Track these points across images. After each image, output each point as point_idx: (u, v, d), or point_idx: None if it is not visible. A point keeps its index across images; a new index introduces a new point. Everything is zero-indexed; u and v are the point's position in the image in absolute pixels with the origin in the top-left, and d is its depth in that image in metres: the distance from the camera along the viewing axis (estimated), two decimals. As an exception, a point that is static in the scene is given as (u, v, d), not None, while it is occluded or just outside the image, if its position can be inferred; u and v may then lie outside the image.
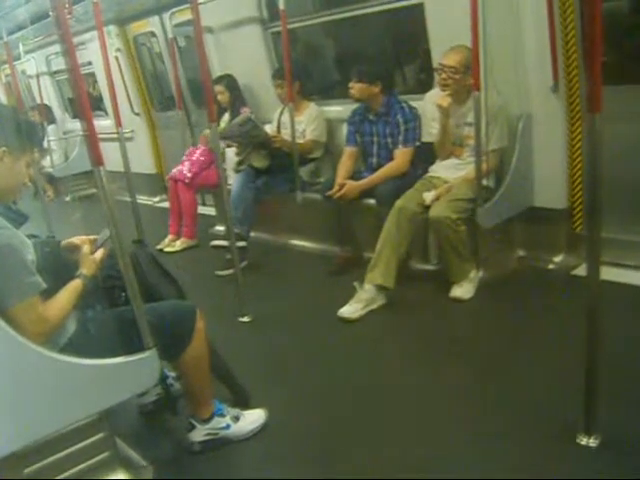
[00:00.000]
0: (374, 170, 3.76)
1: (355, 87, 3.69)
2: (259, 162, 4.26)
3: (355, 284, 3.25)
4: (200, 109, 5.78)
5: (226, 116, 4.87)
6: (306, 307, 3.44)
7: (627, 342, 2.51)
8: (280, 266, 4.21)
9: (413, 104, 3.71)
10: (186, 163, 4.97)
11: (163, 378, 2.25)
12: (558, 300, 3.07)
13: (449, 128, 3.38)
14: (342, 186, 3.68)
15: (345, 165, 3.87)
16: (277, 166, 4.24)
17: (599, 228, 1.82)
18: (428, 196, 3.29)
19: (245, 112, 4.73)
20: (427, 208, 3.26)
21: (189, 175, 4.89)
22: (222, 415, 2.25)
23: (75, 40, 1.74)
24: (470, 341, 2.85)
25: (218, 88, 4.77)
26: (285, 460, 2.16)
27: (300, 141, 4.29)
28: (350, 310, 3.17)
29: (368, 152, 3.89)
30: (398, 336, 3.03)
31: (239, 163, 4.38)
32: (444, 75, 3.25)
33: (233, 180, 4.37)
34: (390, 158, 3.73)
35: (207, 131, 4.61)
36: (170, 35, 5.50)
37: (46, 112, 7.66)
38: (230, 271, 3.58)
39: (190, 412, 2.24)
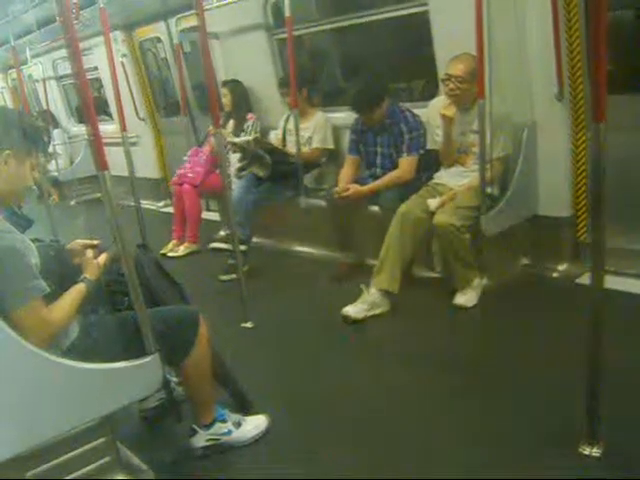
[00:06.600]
0: (377, 180, 3.75)
1: (364, 119, 3.74)
2: (260, 170, 4.25)
3: (362, 286, 3.25)
4: (205, 115, 5.80)
5: (231, 122, 4.88)
6: (309, 313, 3.44)
7: (630, 351, 2.50)
8: (283, 272, 4.21)
9: (418, 112, 3.71)
10: (192, 166, 4.97)
11: (166, 383, 2.24)
12: (562, 308, 3.06)
13: (453, 137, 3.38)
14: (347, 189, 3.68)
15: (347, 173, 3.87)
16: (279, 173, 4.22)
17: (603, 236, 1.82)
18: (432, 203, 3.28)
19: (251, 119, 4.75)
20: (431, 214, 3.25)
21: (197, 178, 4.90)
22: (224, 421, 2.24)
23: (81, 45, 1.76)
24: (472, 349, 2.84)
25: (223, 91, 4.79)
26: (287, 466, 2.14)
27: (305, 149, 4.30)
28: (355, 310, 3.18)
29: (371, 162, 3.88)
30: (401, 343, 3.02)
31: (240, 170, 4.38)
32: (452, 85, 3.24)
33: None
34: (393, 168, 3.72)
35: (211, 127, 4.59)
36: (176, 41, 5.52)
37: (51, 117, 7.70)
38: (232, 276, 3.57)
39: (193, 417, 2.24)
